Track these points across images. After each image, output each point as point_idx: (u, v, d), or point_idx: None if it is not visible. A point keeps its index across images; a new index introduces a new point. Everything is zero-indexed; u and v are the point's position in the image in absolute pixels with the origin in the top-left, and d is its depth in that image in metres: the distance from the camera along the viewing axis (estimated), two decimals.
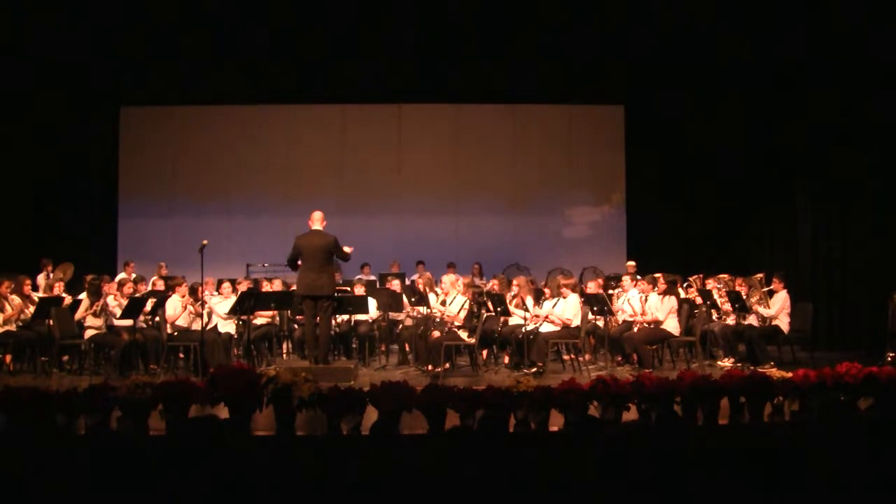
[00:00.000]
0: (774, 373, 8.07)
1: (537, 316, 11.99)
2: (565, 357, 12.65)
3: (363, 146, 18.28)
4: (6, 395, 7.18)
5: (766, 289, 12.26)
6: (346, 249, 11.19)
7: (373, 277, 16.00)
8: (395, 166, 18.31)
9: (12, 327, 11.83)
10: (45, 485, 6.48)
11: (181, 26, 15.01)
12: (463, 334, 11.63)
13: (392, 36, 15.54)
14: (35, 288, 13.50)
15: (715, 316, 12.92)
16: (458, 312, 11.82)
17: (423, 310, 12.33)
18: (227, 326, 12.33)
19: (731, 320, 12.60)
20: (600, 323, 12.55)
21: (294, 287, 12.60)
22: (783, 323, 11.98)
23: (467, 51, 16.12)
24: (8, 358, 11.93)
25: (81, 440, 6.97)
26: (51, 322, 11.74)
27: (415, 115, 18.41)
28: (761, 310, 12.07)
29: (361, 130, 18.34)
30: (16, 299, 12.01)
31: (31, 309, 12.00)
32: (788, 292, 12.14)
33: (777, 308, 11.98)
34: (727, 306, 12.68)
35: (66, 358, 12.30)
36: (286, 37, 15.57)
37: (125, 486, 6.47)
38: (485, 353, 12.63)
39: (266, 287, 13.74)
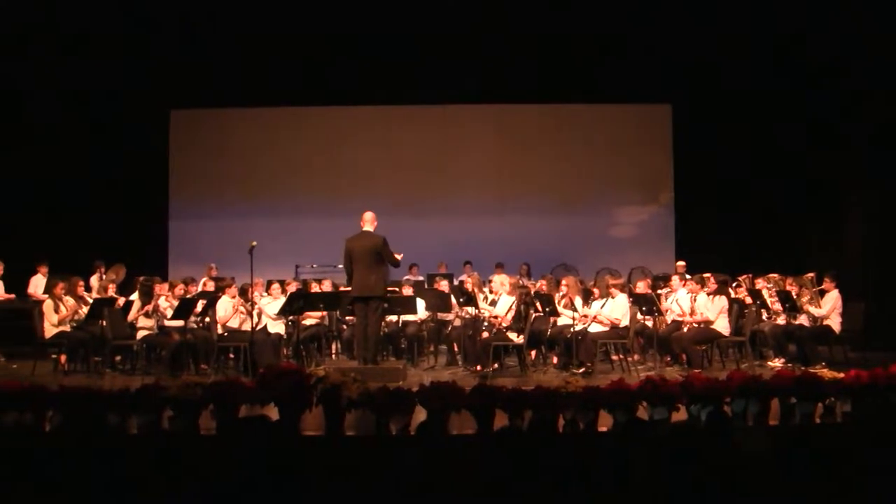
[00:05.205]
0: (825, 373, 7.97)
1: (586, 316, 11.94)
2: (614, 357, 12.58)
3: (410, 147, 18.38)
4: (61, 395, 7.29)
5: (817, 288, 12.11)
6: (397, 256, 11.21)
7: (421, 278, 16.05)
8: (441, 167, 18.36)
9: (66, 328, 12.02)
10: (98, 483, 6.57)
11: (231, 29, 15.17)
12: (511, 335, 11.62)
13: (438, 37, 15.59)
14: (88, 289, 13.69)
15: (765, 316, 12.78)
16: (506, 313, 11.81)
17: (471, 310, 12.33)
18: (277, 327, 12.39)
19: (781, 320, 12.47)
20: (649, 323, 12.49)
21: (343, 288, 12.69)
22: (834, 323, 11.83)
23: (512, 51, 16.14)
24: (62, 358, 12.12)
25: (133, 440, 7.06)
26: (104, 323, 11.88)
27: (460, 116, 18.46)
28: (812, 309, 11.93)
29: (408, 131, 18.44)
30: (70, 300, 12.18)
31: (85, 310, 12.19)
32: (840, 292, 12.00)
33: (828, 308, 11.83)
34: (777, 306, 12.55)
35: (118, 358, 12.47)
36: (335, 39, 15.67)
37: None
38: (533, 353, 12.61)
39: (315, 288, 13.81)
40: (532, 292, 12.58)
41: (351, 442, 7.04)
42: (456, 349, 12.75)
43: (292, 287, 13.38)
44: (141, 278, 12.50)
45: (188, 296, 12.41)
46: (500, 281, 12.48)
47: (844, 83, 14.69)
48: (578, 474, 6.61)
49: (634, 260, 16.79)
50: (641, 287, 12.84)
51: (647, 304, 12.10)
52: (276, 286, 12.97)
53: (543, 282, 13.53)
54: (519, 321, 11.69)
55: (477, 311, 12.21)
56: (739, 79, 16.11)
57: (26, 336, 12.48)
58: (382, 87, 17.30)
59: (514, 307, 11.81)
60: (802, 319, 12.07)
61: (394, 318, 12.83)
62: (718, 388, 7.39)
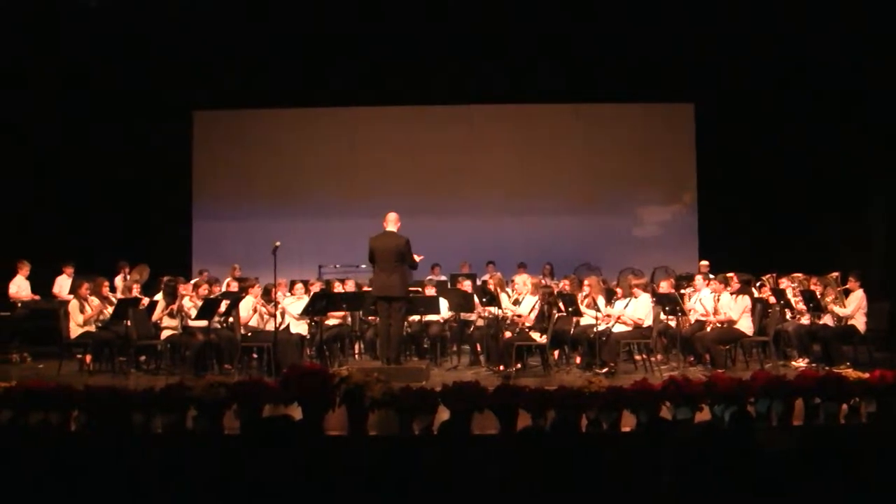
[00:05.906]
0: (850, 373, 7.93)
1: (609, 316, 11.90)
2: (637, 357, 12.54)
3: (433, 147, 18.35)
4: (86, 395, 7.35)
5: (841, 288, 12.03)
6: (416, 258, 11.22)
7: (443, 278, 16.05)
8: (465, 167, 18.34)
9: (91, 328, 12.08)
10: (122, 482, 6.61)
11: (252, 31, 15.22)
12: (534, 335, 11.61)
13: (460, 37, 15.60)
14: (113, 289, 13.74)
15: (789, 315, 12.70)
16: (529, 313, 11.80)
17: (494, 310, 12.32)
18: (300, 327, 12.43)
19: (805, 320, 12.38)
20: (672, 323, 12.44)
21: (366, 288, 12.70)
22: (859, 323, 11.74)
23: (533, 51, 16.14)
24: (88, 358, 12.18)
25: (158, 439, 7.10)
26: (128, 323, 11.94)
27: (484, 116, 18.44)
28: (837, 309, 11.84)
29: (432, 131, 18.40)
30: (95, 301, 12.24)
31: (110, 310, 12.24)
32: (864, 291, 11.91)
33: (853, 307, 11.74)
34: (801, 306, 12.45)
35: (143, 358, 12.53)
36: (356, 40, 15.70)
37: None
38: (556, 353, 12.56)
39: (338, 288, 13.82)
40: (555, 292, 12.55)
41: (374, 442, 7.06)
42: (479, 349, 12.73)
43: (316, 287, 13.41)
44: (165, 278, 12.56)
45: (212, 296, 12.46)
46: (523, 281, 12.46)
47: (865, 82, 14.61)
48: (601, 474, 6.60)
49: (657, 259, 16.73)
50: (664, 287, 12.79)
51: (670, 303, 12.06)
52: (299, 286, 13.02)
53: (566, 281, 13.51)
54: (542, 321, 11.68)
55: (500, 310, 12.19)
56: (760, 78, 16.07)
57: (52, 336, 12.58)
58: (404, 88, 17.33)
59: (537, 307, 11.80)
60: (827, 319, 11.98)
61: (417, 317, 12.82)
62: (742, 389, 7.38)
